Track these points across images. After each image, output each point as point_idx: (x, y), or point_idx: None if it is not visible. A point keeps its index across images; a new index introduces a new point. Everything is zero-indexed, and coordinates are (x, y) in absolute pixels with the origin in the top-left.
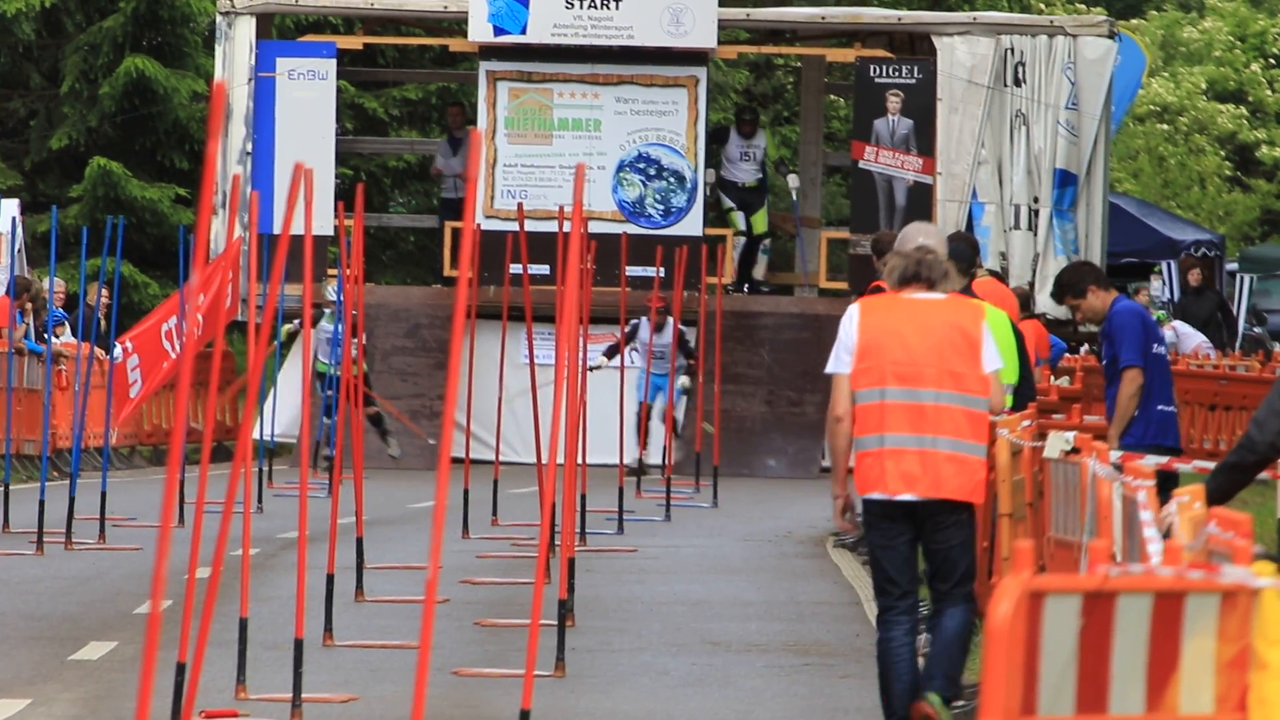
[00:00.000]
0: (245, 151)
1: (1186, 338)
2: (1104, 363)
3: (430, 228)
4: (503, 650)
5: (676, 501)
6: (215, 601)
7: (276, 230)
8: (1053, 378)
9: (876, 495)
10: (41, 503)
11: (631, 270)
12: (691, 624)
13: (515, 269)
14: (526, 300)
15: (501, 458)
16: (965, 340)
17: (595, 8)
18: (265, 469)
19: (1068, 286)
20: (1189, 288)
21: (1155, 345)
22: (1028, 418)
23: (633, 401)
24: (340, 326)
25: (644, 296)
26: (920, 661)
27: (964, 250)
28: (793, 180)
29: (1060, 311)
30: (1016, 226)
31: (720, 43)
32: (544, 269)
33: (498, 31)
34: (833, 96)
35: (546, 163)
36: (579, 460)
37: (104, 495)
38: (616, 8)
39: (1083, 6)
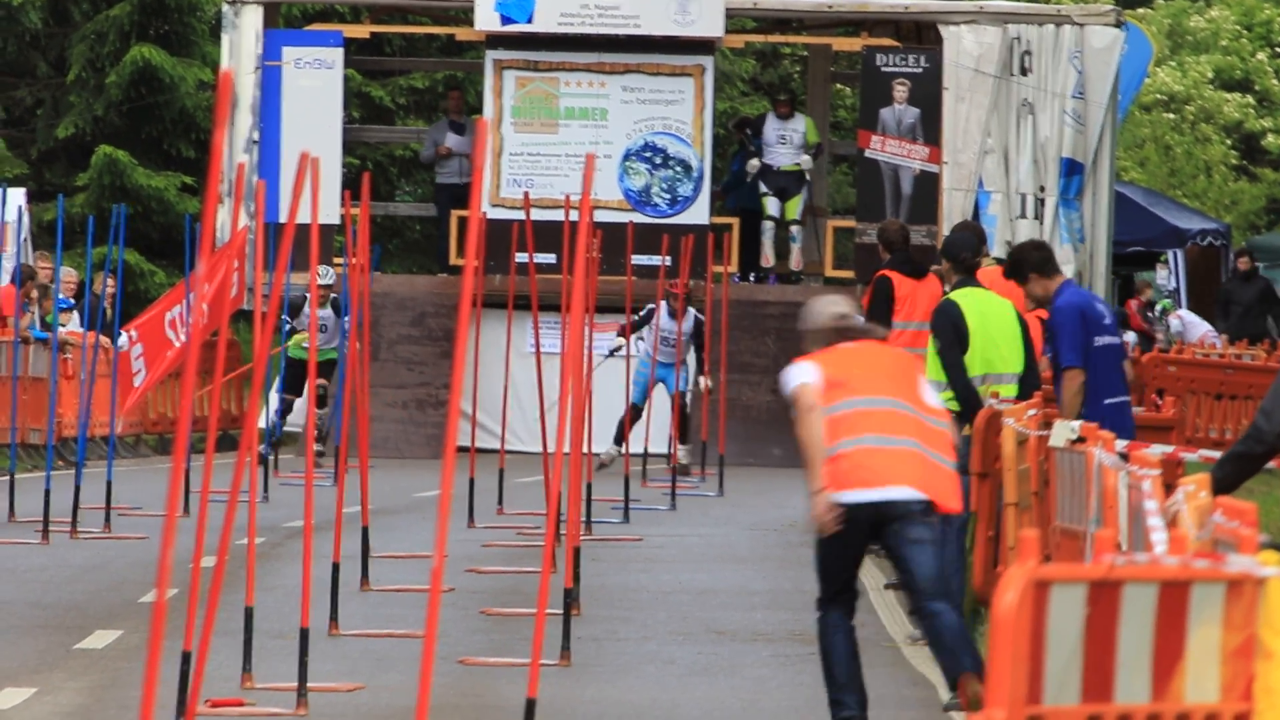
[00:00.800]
0: (251, 140)
1: (1193, 326)
2: (1048, 356)
3: (434, 216)
4: (508, 639)
5: (682, 491)
6: (221, 590)
7: (282, 219)
8: None
9: (859, 493)
10: (47, 492)
11: (637, 259)
12: (697, 613)
13: (521, 258)
14: (533, 289)
15: (507, 447)
16: (916, 370)
17: None
18: (271, 458)
19: (1012, 270)
20: (1237, 273)
21: (1098, 338)
22: (1033, 407)
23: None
24: (340, 315)
25: (649, 285)
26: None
27: (968, 239)
28: (805, 162)
29: None
30: (1023, 215)
31: (727, 31)
32: (550, 258)
33: (504, 20)
34: (839, 85)
35: (553, 151)
36: (584, 449)
37: (109, 484)
38: None
39: None
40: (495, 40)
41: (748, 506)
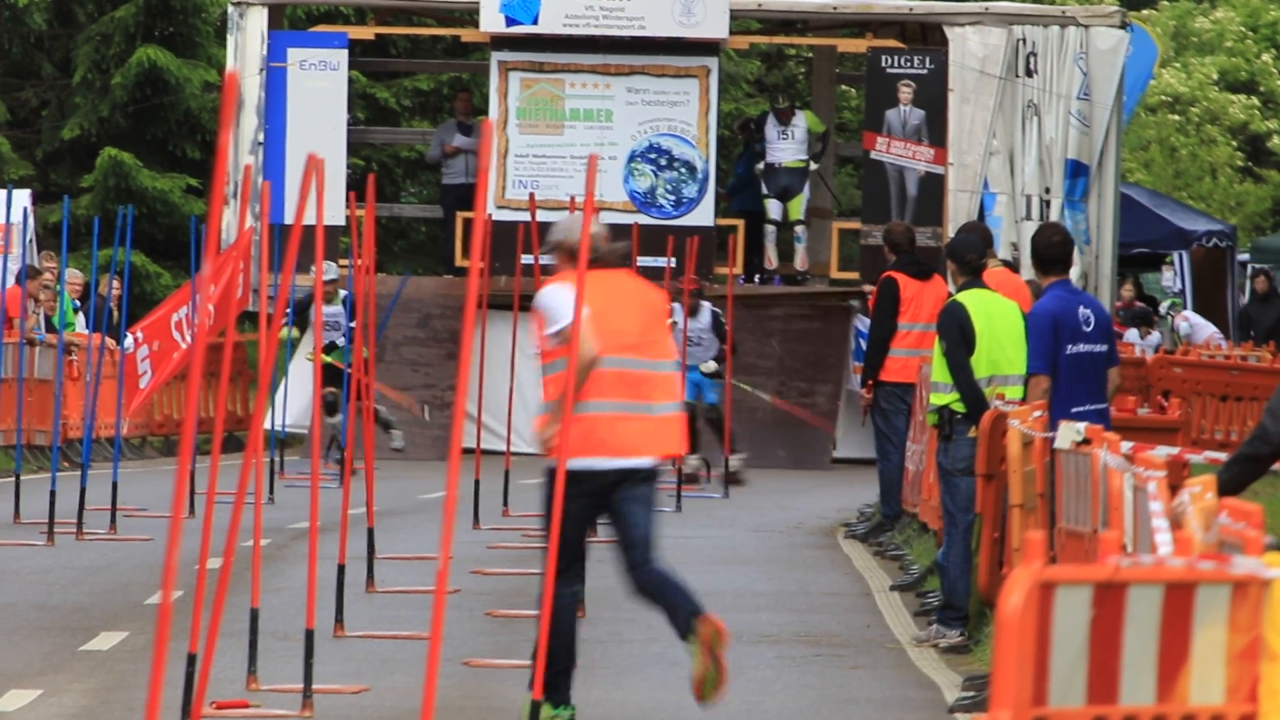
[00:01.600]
0: (257, 142)
1: (1199, 328)
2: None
3: (440, 217)
4: (514, 641)
5: (687, 492)
6: (226, 592)
7: (288, 220)
8: None
9: (603, 461)
10: (53, 493)
11: (642, 261)
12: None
13: (526, 259)
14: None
15: (512, 448)
16: (662, 306)
17: None
18: (277, 459)
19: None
20: (1255, 294)
21: (1072, 345)
22: (1039, 408)
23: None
24: (344, 317)
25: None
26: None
27: (974, 241)
28: (813, 163)
29: None
30: (1028, 217)
31: (732, 33)
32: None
33: (509, 22)
34: (844, 87)
35: (558, 153)
36: None
37: (115, 486)
38: None
39: None
40: (500, 42)
41: (753, 508)
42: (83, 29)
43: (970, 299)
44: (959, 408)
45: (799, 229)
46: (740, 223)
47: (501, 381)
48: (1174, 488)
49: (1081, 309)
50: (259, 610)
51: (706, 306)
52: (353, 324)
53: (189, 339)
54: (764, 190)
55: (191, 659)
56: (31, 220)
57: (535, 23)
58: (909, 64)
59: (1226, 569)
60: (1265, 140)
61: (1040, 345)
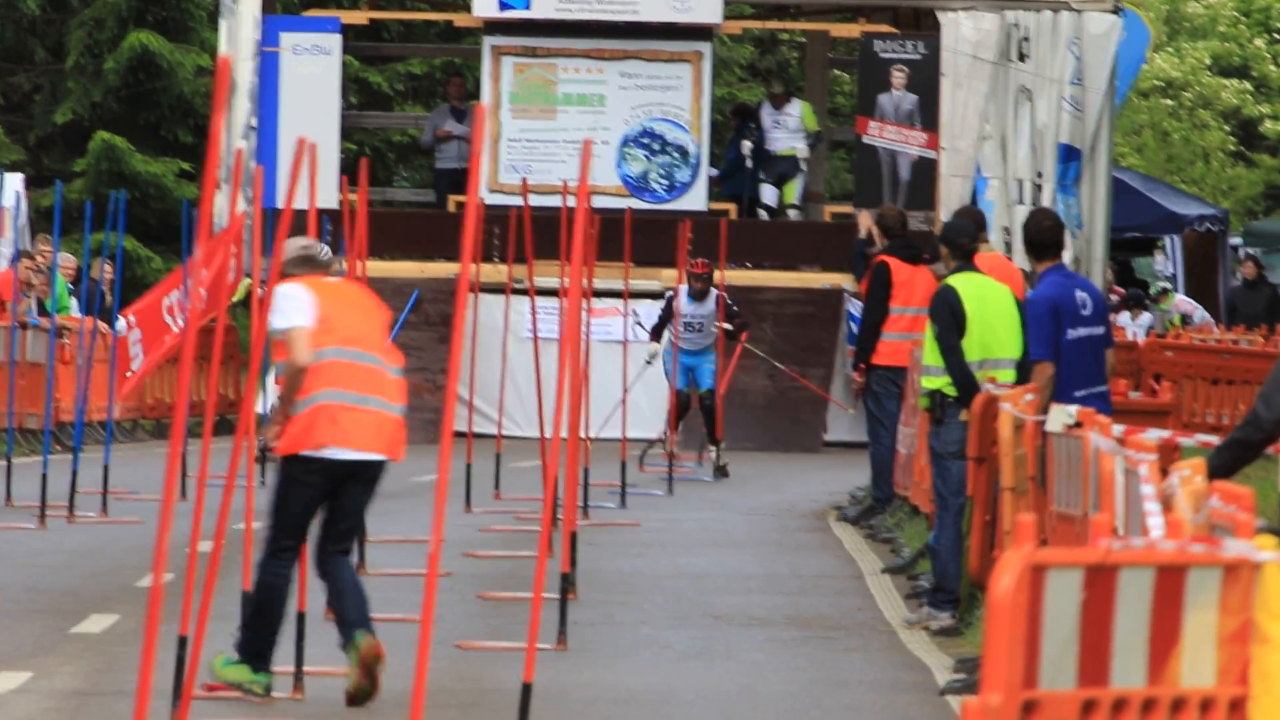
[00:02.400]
0: (250, 126)
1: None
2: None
3: (434, 202)
4: (505, 624)
5: (679, 475)
6: (217, 575)
7: (280, 205)
8: None
9: (337, 451)
10: (44, 476)
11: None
12: (693, 597)
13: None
14: (530, 274)
15: (504, 431)
16: (383, 310)
17: None
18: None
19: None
20: (1244, 280)
21: (1072, 330)
22: (1030, 392)
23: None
24: None
25: (647, 271)
26: None
27: (966, 225)
28: (801, 150)
29: None
30: (1020, 202)
31: (725, 18)
32: (548, 243)
33: (502, 6)
34: (837, 71)
35: (551, 138)
36: (582, 434)
37: (106, 469)
38: None
39: None
40: (493, 26)
41: (744, 491)
42: (75, 14)
43: (962, 283)
44: (950, 391)
45: (793, 214)
46: (732, 207)
47: (494, 365)
48: (1165, 471)
49: (1079, 293)
50: (250, 593)
51: (714, 292)
52: None
53: (181, 323)
54: (761, 176)
55: (182, 642)
56: (24, 205)
57: (528, 8)
58: (902, 49)
59: (1218, 552)
60: (1258, 124)
61: (1041, 332)
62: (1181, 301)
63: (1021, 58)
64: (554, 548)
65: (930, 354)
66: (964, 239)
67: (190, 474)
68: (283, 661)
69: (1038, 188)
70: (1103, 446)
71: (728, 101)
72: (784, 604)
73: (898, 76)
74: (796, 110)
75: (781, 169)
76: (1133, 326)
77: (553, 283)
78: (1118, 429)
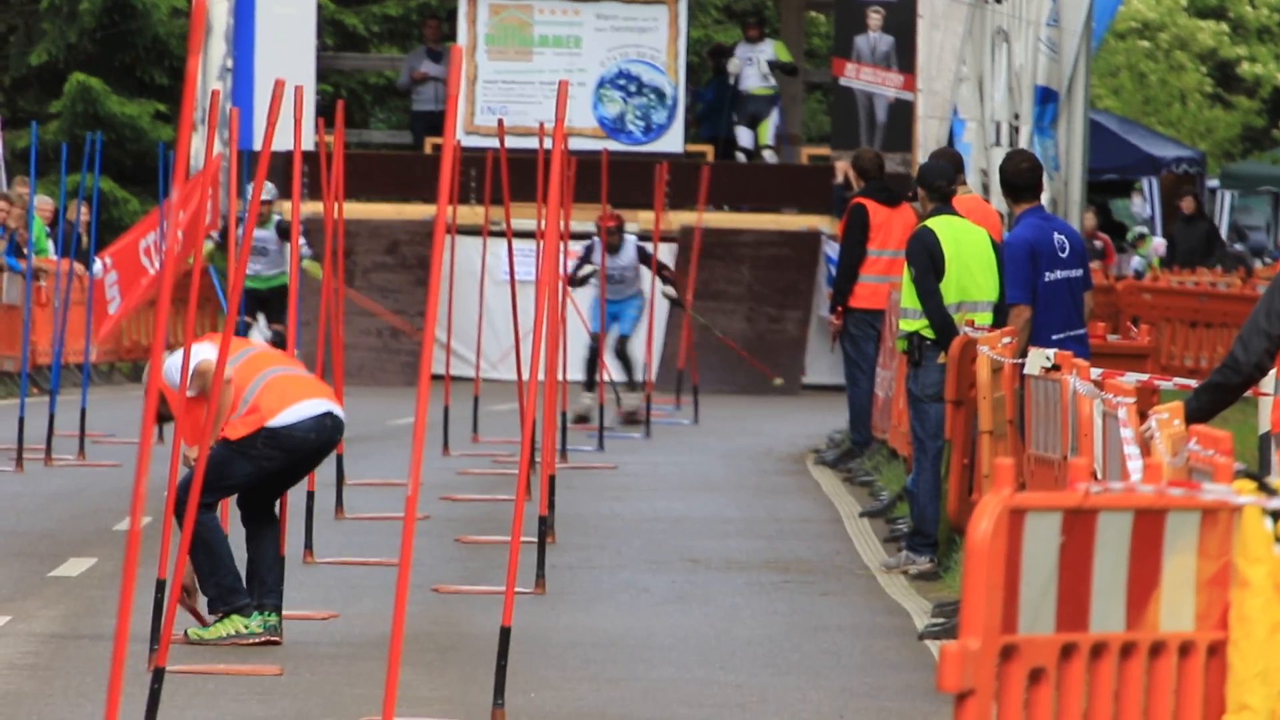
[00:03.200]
0: (225, 68)
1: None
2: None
3: (410, 144)
4: (483, 567)
5: (657, 419)
6: (194, 518)
7: (256, 146)
8: None
9: (308, 404)
10: (21, 419)
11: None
12: (672, 541)
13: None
14: (506, 216)
15: (482, 374)
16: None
17: None
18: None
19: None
20: (1179, 215)
21: (1050, 273)
22: (1008, 334)
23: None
24: (284, 239)
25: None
26: None
27: (944, 167)
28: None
29: None
30: (997, 143)
31: None
32: (524, 185)
33: None
34: (813, 13)
35: (527, 79)
36: (560, 377)
37: (84, 412)
38: None
39: None
40: None
41: (722, 434)
42: None
43: (940, 225)
44: (928, 334)
45: (767, 154)
46: (709, 149)
47: (470, 308)
48: (1143, 414)
49: (1056, 235)
50: (228, 536)
51: (630, 240)
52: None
53: (157, 265)
54: (734, 118)
55: (160, 585)
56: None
57: None
58: None
59: (1196, 495)
60: (1234, 66)
61: (1019, 274)
62: (1160, 244)
63: None
64: (532, 491)
65: (908, 297)
66: (941, 181)
67: None
68: None
69: (1015, 130)
70: (1081, 390)
71: (704, 44)
72: (762, 548)
73: (874, 18)
74: (769, 48)
75: (754, 109)
76: (1133, 265)
77: (530, 225)
78: (1096, 372)
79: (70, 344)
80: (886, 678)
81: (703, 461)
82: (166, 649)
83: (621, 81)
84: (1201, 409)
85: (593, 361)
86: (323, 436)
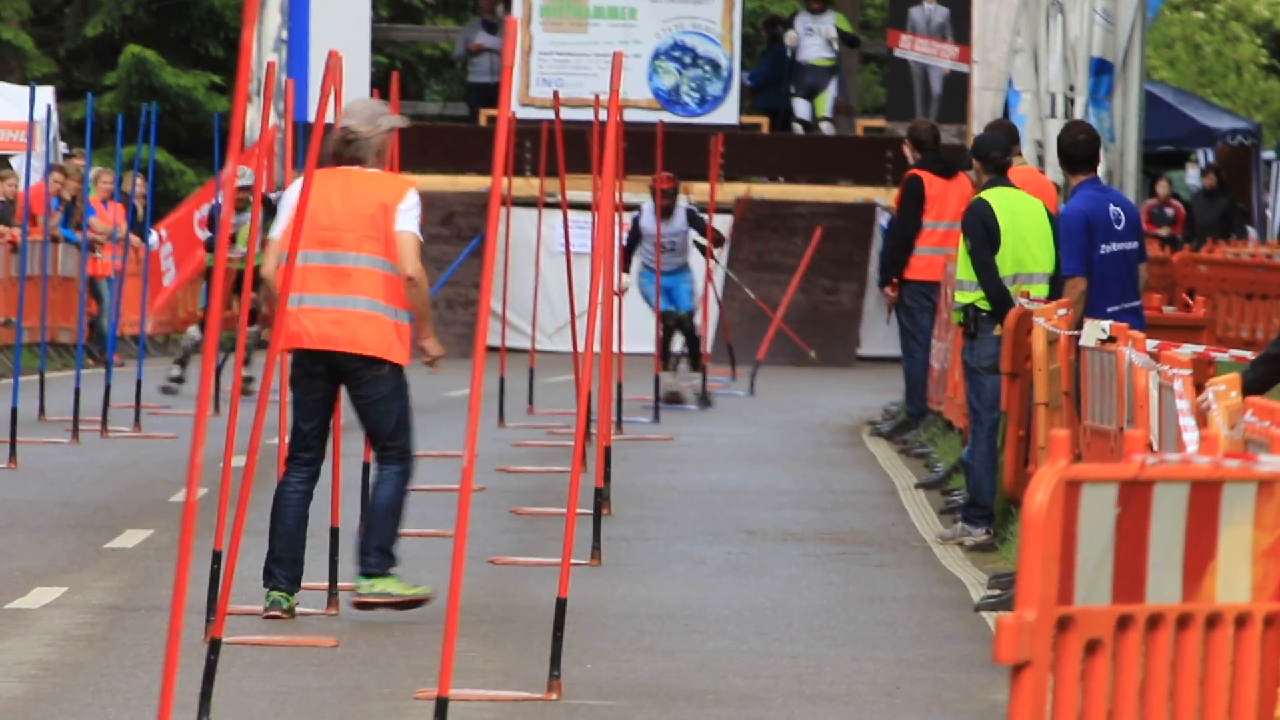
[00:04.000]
0: (280, 39)
1: None
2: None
3: (465, 115)
4: (539, 539)
5: (712, 390)
6: (251, 490)
7: (310, 118)
8: None
9: (298, 349)
10: (77, 391)
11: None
12: (727, 513)
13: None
14: (562, 188)
15: (537, 346)
16: (383, 212)
17: None
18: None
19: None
20: (1202, 190)
21: (1105, 245)
22: (1064, 306)
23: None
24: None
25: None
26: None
27: (999, 139)
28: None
29: None
30: (1052, 115)
31: None
32: (579, 157)
33: None
34: None
35: (582, 50)
36: (615, 349)
37: (139, 383)
38: None
39: None
40: None
41: (777, 406)
42: None
43: (995, 197)
44: (984, 306)
45: (825, 126)
46: (765, 120)
47: (526, 279)
48: (1199, 386)
49: (1112, 207)
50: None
51: (682, 207)
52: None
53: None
54: (791, 89)
55: (216, 556)
56: (55, 118)
57: None
58: None
59: (1253, 467)
60: None
61: (1074, 246)
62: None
63: None
64: (587, 463)
65: (963, 268)
66: (997, 152)
67: (223, 388)
68: (316, 577)
69: (1070, 101)
70: (1137, 361)
71: (759, 15)
72: (818, 519)
73: None
74: (830, 19)
75: (812, 80)
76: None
77: (585, 196)
78: (1151, 344)
79: (126, 315)
80: (942, 649)
81: (758, 433)
82: (223, 620)
83: (676, 53)
84: (1258, 380)
85: (667, 340)
86: None
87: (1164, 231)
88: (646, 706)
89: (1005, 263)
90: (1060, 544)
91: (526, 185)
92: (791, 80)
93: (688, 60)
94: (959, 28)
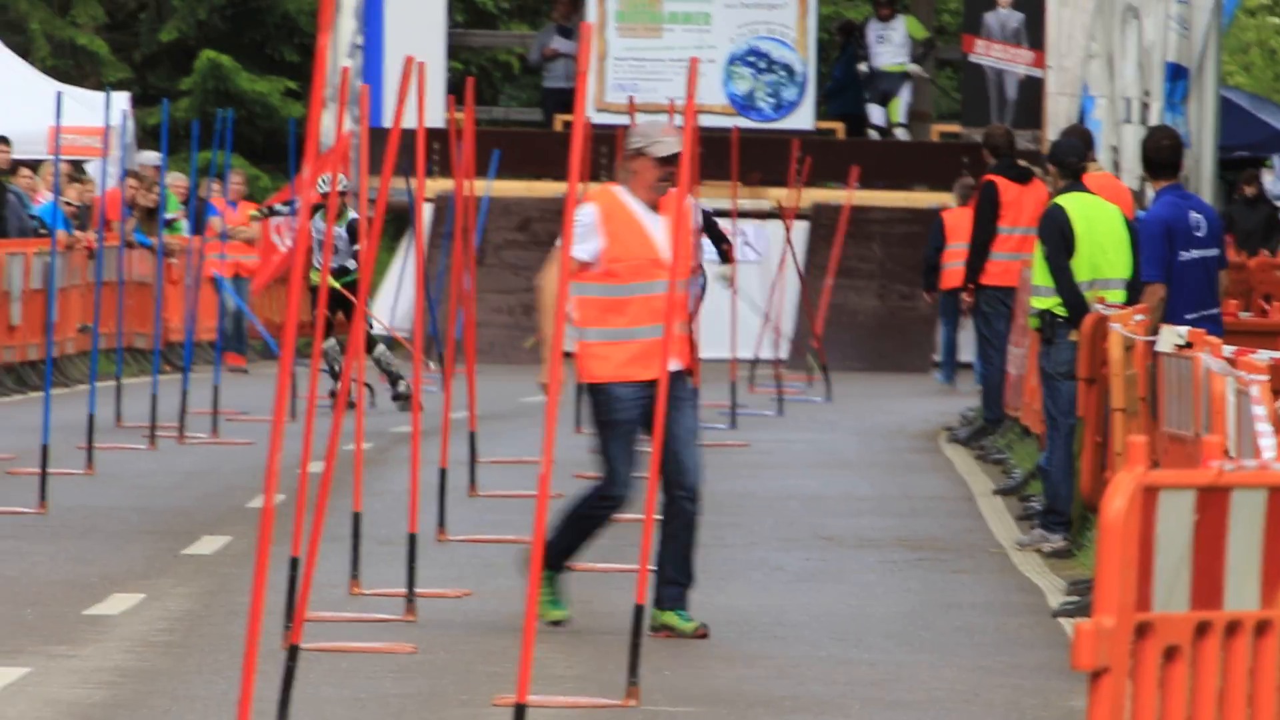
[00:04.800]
0: (355, 45)
1: None
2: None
3: (540, 120)
4: (615, 545)
5: (789, 396)
6: (328, 496)
7: (386, 124)
8: None
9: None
10: (154, 397)
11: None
12: (804, 519)
13: None
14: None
15: None
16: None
17: None
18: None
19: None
20: (1241, 197)
21: (1184, 252)
22: (1141, 312)
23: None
24: (346, 242)
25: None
26: None
27: (1075, 144)
28: (913, 69)
29: None
30: (1128, 120)
31: None
32: None
33: None
34: None
35: (657, 56)
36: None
37: (216, 389)
38: None
39: None
40: None
41: (855, 411)
42: None
43: (1071, 202)
44: (1060, 311)
45: (899, 132)
46: (839, 125)
47: None
48: (1277, 392)
49: (1193, 214)
50: (361, 514)
51: (693, 202)
52: (356, 247)
53: (288, 242)
54: (865, 95)
55: (294, 563)
56: (130, 123)
57: None
58: None
59: None
60: None
61: (1154, 252)
62: None
63: None
64: None
65: (1040, 274)
66: (1073, 158)
67: (300, 394)
68: (394, 584)
69: (1145, 106)
70: (1214, 367)
71: (833, 19)
72: (895, 525)
73: None
74: (901, 25)
75: (886, 86)
76: None
77: None
78: (1228, 350)
79: (202, 321)
80: (1020, 656)
81: (835, 439)
82: (300, 626)
83: (751, 58)
84: None
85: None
86: None
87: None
88: (724, 713)
89: (1081, 268)
90: (1138, 550)
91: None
92: (866, 86)
93: (763, 65)
94: (1034, 33)
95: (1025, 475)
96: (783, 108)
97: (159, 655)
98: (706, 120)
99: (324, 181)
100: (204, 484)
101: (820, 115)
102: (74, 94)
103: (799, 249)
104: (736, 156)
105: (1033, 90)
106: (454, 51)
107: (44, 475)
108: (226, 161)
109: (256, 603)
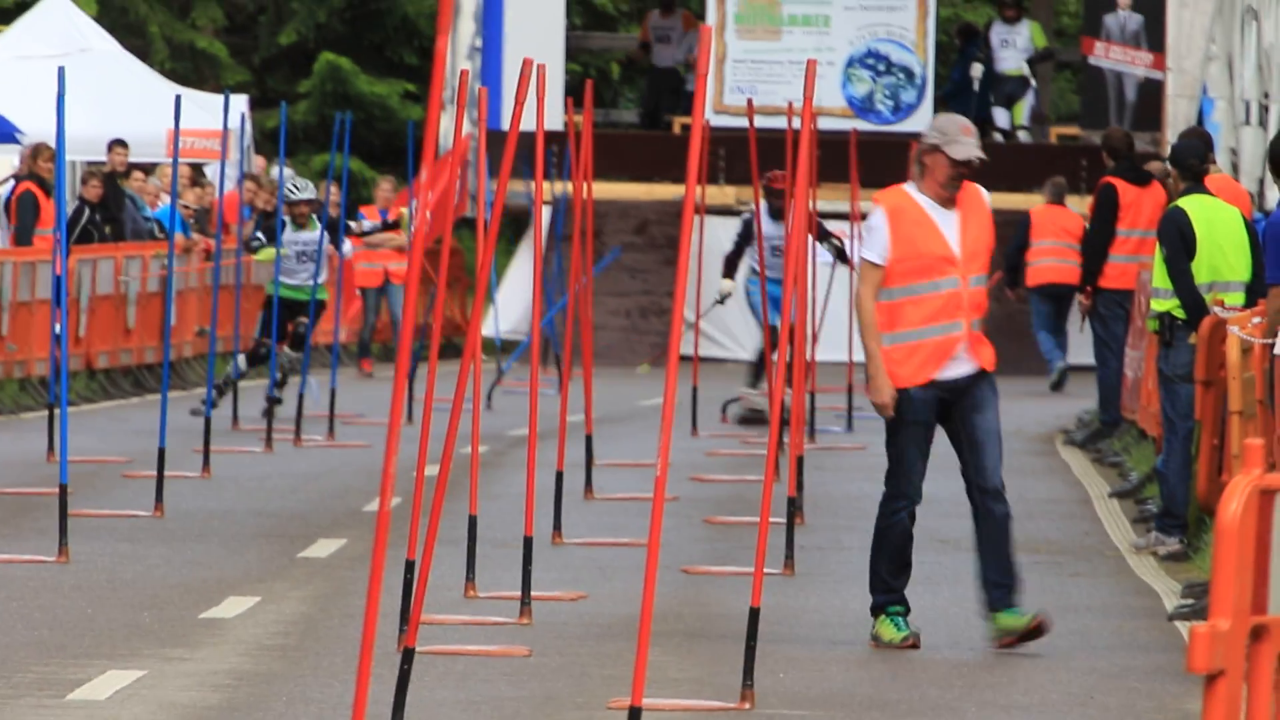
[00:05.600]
0: (474, 47)
1: None
2: None
3: (650, 110)
4: (731, 548)
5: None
6: (444, 499)
7: (505, 126)
8: None
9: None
10: (271, 399)
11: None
12: (920, 522)
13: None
14: (755, 197)
15: (731, 355)
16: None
17: None
18: (495, 366)
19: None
20: None
21: None
22: (1259, 314)
23: (752, 328)
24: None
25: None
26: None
27: (1196, 146)
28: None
29: None
30: (1247, 122)
31: None
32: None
33: None
34: None
35: (775, 58)
36: (808, 357)
37: (333, 392)
38: None
39: None
40: None
41: None
42: None
43: (1191, 205)
44: (1180, 314)
45: (1021, 135)
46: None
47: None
48: None
49: None
50: (477, 518)
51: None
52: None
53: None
54: (990, 99)
55: (410, 566)
56: (249, 126)
57: None
58: None
59: None
60: None
61: (1277, 255)
62: None
63: None
64: (780, 472)
65: (1159, 276)
66: (1193, 160)
67: (417, 397)
68: (509, 586)
69: (1265, 109)
70: None
71: (953, 22)
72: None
73: None
74: (1025, 29)
75: (1010, 89)
76: None
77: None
78: None
79: (320, 324)
80: (1135, 659)
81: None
82: (416, 630)
83: (870, 61)
84: None
85: (764, 356)
86: None
87: None
88: (839, 716)
89: (1201, 271)
90: (1254, 553)
91: (720, 193)
92: (990, 89)
93: (882, 68)
94: (1153, 35)
95: (1141, 478)
96: (901, 110)
97: (274, 658)
98: (825, 123)
99: (294, 189)
100: (320, 487)
101: None
102: (193, 97)
103: None
104: (855, 159)
105: (1152, 92)
106: (572, 54)
107: (160, 478)
108: (345, 164)
109: (372, 606)
